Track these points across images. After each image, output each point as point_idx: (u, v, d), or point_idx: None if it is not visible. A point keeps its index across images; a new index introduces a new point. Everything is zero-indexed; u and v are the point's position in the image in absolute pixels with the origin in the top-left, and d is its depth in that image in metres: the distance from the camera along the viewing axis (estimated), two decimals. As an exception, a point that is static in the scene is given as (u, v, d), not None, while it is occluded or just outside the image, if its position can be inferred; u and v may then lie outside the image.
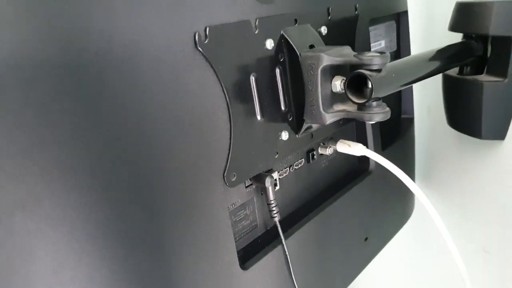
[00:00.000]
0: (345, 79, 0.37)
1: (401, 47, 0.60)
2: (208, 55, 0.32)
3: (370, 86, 0.34)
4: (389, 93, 0.36)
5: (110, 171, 0.27)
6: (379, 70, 0.34)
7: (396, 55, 0.60)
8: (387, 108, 0.36)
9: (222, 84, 0.33)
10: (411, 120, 0.63)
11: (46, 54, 0.23)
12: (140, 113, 0.28)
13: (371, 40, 0.54)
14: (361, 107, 0.36)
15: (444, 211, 0.65)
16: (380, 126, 0.54)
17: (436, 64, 0.44)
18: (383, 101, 0.36)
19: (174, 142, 0.31)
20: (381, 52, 0.35)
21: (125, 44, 0.27)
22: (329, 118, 0.38)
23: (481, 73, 0.52)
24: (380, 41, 0.56)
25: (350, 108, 0.37)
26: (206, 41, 0.31)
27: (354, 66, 0.35)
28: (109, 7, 0.26)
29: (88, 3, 0.25)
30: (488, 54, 0.51)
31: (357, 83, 0.35)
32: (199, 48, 0.31)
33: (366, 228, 0.53)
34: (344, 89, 0.35)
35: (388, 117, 0.35)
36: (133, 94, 0.28)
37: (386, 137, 0.57)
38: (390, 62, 0.38)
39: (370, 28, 0.53)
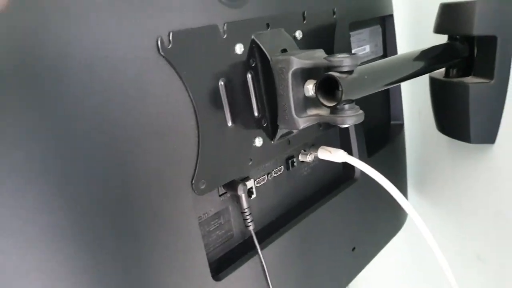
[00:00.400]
0: (316, 82, 0.36)
1: (387, 52, 0.59)
2: (172, 60, 0.31)
3: (340, 88, 0.33)
4: (363, 95, 0.35)
5: (70, 181, 0.26)
6: (350, 72, 0.33)
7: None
8: (360, 111, 0.35)
9: (188, 90, 0.32)
10: (400, 126, 0.61)
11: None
12: (101, 120, 0.28)
13: (355, 45, 0.53)
14: (333, 110, 0.35)
15: (438, 218, 0.63)
16: (368, 133, 0.53)
17: (417, 65, 0.43)
18: (356, 104, 0.35)
19: (138, 150, 0.30)
20: (352, 53, 0.34)
21: (83, 50, 0.27)
22: (302, 123, 0.36)
23: (468, 75, 0.51)
24: (364, 46, 0.55)
25: (323, 112, 0.36)
26: (170, 46, 0.31)
27: (326, 69, 0.34)
28: (65, 12, 0.26)
29: (43, 8, 0.25)
30: (475, 55, 0.50)
31: (329, 86, 0.35)
32: (162, 53, 0.30)
33: (354, 238, 0.52)
34: (315, 93, 0.35)
35: (361, 120, 0.34)
36: (93, 102, 0.27)
37: (374, 144, 0.55)
38: (365, 61, 0.38)
39: (353, 32, 0.52)
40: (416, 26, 0.62)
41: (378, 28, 0.57)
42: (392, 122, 0.62)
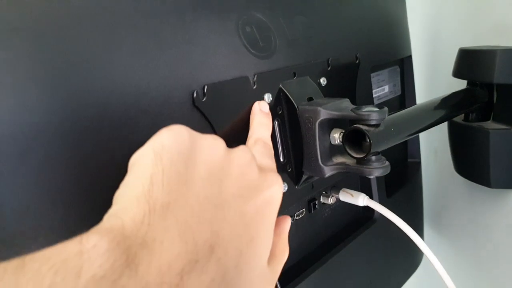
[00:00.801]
0: (343, 132, 0.36)
1: (405, 92, 0.60)
2: (206, 111, 0.32)
3: (368, 141, 0.34)
4: (389, 146, 0.36)
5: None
6: (377, 125, 0.34)
7: (400, 99, 0.60)
8: (387, 163, 0.35)
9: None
10: (418, 165, 0.62)
11: (49, 118, 0.24)
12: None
13: (374, 85, 0.54)
14: (360, 161, 0.35)
15: (454, 261, 0.63)
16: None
17: (439, 113, 0.43)
18: (383, 155, 0.36)
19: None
20: (380, 106, 0.35)
21: (123, 103, 0.27)
22: (328, 171, 0.37)
23: (487, 119, 0.51)
24: (383, 87, 0.56)
25: (349, 161, 0.37)
26: (204, 99, 0.32)
27: (353, 120, 0.35)
28: (110, 66, 0.27)
29: (89, 64, 0.26)
30: (494, 100, 0.50)
31: (355, 136, 0.35)
32: (197, 105, 0.31)
33: (371, 279, 0.52)
34: (343, 143, 0.35)
35: (388, 172, 0.35)
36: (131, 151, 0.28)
37: (392, 182, 0.56)
38: (391, 113, 0.38)
39: (373, 74, 0.53)
40: (433, 67, 0.63)
41: (396, 69, 0.58)
42: (409, 160, 0.63)
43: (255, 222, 0.24)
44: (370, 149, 0.33)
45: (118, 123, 0.27)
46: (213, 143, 0.24)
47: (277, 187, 0.26)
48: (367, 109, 0.34)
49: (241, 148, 0.26)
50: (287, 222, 0.32)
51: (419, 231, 0.63)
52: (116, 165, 0.27)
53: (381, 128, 0.34)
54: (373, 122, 0.34)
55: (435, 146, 0.66)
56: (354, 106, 0.36)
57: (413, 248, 0.60)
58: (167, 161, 0.21)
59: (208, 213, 0.21)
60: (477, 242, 0.58)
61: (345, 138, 0.35)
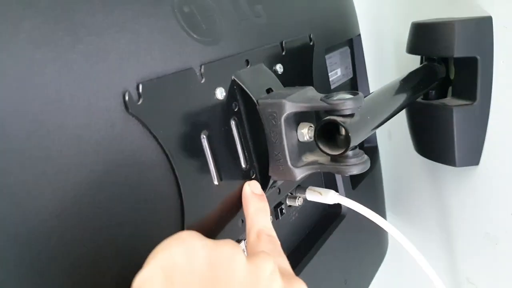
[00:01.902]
0: (312, 126, 0.31)
1: (357, 74, 0.56)
2: (144, 118, 0.25)
3: (344, 134, 0.29)
4: (366, 137, 0.31)
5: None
6: (352, 115, 0.29)
7: (352, 82, 0.56)
8: (365, 157, 0.30)
9: (166, 151, 0.26)
10: (375, 149, 0.59)
11: None
12: (60, 202, 0.21)
13: (328, 69, 0.50)
14: (336, 158, 0.30)
15: (421, 243, 0.61)
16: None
17: (407, 94, 0.39)
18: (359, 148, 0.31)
19: (108, 229, 0.23)
20: (353, 92, 0.30)
21: (25, 118, 0.20)
22: (300, 174, 0.32)
23: (445, 96, 0.49)
24: (336, 70, 0.51)
25: (322, 159, 0.32)
26: (140, 102, 0.25)
27: (325, 112, 0.30)
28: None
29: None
30: (452, 76, 0.48)
31: (327, 130, 0.30)
32: (132, 112, 0.24)
33: (346, 278, 0.48)
34: (315, 141, 0.30)
35: (368, 167, 0.30)
36: (50, 180, 0.20)
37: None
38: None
39: (326, 56, 0.49)
40: (383, 44, 0.60)
41: (347, 50, 0.54)
42: (366, 145, 0.59)
43: None
44: (348, 143, 0.28)
45: (21, 145, 0.20)
46: (232, 255, 0.21)
47: None
48: (339, 97, 0.29)
49: (261, 256, 0.23)
50: None
51: (383, 216, 0.60)
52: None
53: (356, 117, 0.29)
54: (348, 112, 0.29)
55: (388, 129, 0.64)
56: (323, 95, 0.30)
57: (380, 237, 0.57)
58: (180, 286, 0.19)
59: None
60: (444, 222, 0.57)
61: (317, 134, 0.30)
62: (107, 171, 0.23)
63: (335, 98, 0.29)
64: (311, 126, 0.31)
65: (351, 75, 0.56)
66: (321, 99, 0.29)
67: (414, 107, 0.49)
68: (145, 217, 0.25)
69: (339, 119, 0.28)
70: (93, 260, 0.22)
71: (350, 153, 0.30)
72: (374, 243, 0.55)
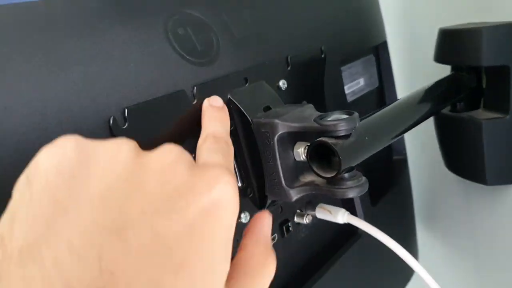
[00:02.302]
0: (308, 145, 0.30)
1: (383, 83, 0.53)
2: (129, 142, 0.25)
3: (336, 157, 0.27)
4: (365, 158, 0.30)
5: None
6: (347, 136, 0.28)
7: (379, 92, 0.53)
8: (363, 179, 0.29)
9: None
10: (404, 162, 0.56)
11: None
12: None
13: (347, 80, 0.48)
14: (331, 180, 0.29)
15: (451, 264, 0.57)
16: (369, 172, 0.47)
17: (424, 108, 0.37)
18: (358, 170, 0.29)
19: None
20: (348, 112, 0.28)
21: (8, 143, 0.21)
22: (295, 195, 0.31)
23: (477, 107, 0.45)
24: (358, 80, 0.49)
25: (319, 180, 0.30)
26: (126, 126, 0.25)
27: (318, 132, 0.29)
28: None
29: None
30: (484, 85, 0.44)
31: (322, 150, 0.29)
32: (116, 136, 0.25)
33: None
34: (308, 162, 0.29)
35: (365, 191, 0.29)
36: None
37: (377, 186, 0.49)
38: (365, 116, 0.32)
39: (344, 67, 0.47)
40: (412, 52, 0.57)
41: (371, 58, 0.52)
42: (394, 157, 0.56)
43: (185, 242, 0.17)
44: (340, 166, 0.27)
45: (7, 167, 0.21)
46: (114, 149, 0.18)
47: (221, 186, 0.18)
48: (332, 118, 0.28)
49: (163, 147, 0.19)
50: (265, 219, 0.25)
51: (411, 236, 0.57)
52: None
53: (352, 139, 0.28)
54: (341, 133, 0.27)
55: (421, 139, 0.60)
56: (319, 114, 0.29)
57: (402, 263, 0.54)
58: (38, 188, 0.16)
59: (96, 246, 0.15)
60: (474, 243, 0.53)
61: (309, 155, 0.29)
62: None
63: (329, 119, 0.28)
64: (307, 146, 0.30)
65: (376, 85, 0.53)
66: (314, 120, 0.28)
67: (441, 120, 0.46)
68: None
69: (330, 140, 0.27)
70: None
71: (346, 175, 0.29)
72: (394, 269, 0.52)
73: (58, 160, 0.17)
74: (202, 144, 0.24)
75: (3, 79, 0.21)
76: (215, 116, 0.28)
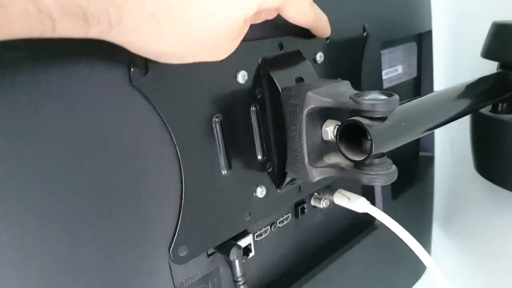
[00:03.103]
0: (339, 124, 0.28)
1: (422, 74, 0.50)
2: (149, 94, 0.24)
3: (369, 140, 0.25)
4: (398, 146, 0.28)
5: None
6: (383, 118, 0.26)
7: (416, 82, 0.50)
8: (393, 168, 0.27)
9: (170, 132, 0.25)
10: (431, 159, 0.53)
11: None
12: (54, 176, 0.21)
13: (385, 65, 0.45)
14: (358, 164, 0.27)
15: (465, 267, 0.55)
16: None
17: (463, 104, 0.34)
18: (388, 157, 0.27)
19: (102, 206, 0.23)
20: (388, 93, 0.26)
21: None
22: (317, 175, 0.29)
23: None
24: (396, 67, 0.47)
25: (345, 163, 0.28)
26: (146, 76, 0.23)
27: (352, 110, 0.26)
28: None
29: None
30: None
31: (354, 131, 0.27)
32: (135, 86, 0.23)
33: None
34: (336, 142, 0.27)
35: (393, 180, 0.27)
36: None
37: (400, 180, 0.47)
38: (403, 102, 0.30)
39: (384, 51, 0.44)
40: (457, 45, 0.53)
41: (413, 46, 0.49)
42: (421, 154, 0.54)
43: None
44: (371, 150, 0.25)
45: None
46: None
47: None
48: (370, 97, 0.26)
49: None
50: None
51: (427, 235, 0.55)
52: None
53: (388, 122, 0.26)
54: (378, 115, 0.25)
55: (451, 137, 0.57)
56: (355, 92, 0.27)
57: (415, 257, 0.52)
58: None
59: None
60: (492, 250, 0.50)
61: (339, 135, 0.26)
62: (103, 142, 0.23)
63: (366, 98, 0.26)
64: (337, 125, 0.28)
65: (414, 75, 0.50)
66: (350, 97, 0.26)
67: (479, 120, 0.43)
68: (138, 200, 0.24)
69: (365, 121, 0.25)
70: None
71: (375, 160, 0.26)
72: (407, 263, 0.50)
73: None
74: None
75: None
76: None
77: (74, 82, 0.21)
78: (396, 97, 0.25)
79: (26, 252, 0.20)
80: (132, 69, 0.23)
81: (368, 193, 0.42)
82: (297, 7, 0.26)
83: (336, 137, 0.27)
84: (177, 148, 0.25)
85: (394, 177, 0.27)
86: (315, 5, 0.28)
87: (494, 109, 0.42)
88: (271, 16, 0.27)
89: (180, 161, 0.25)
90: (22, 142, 0.19)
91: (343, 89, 0.29)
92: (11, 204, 0.19)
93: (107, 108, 0.22)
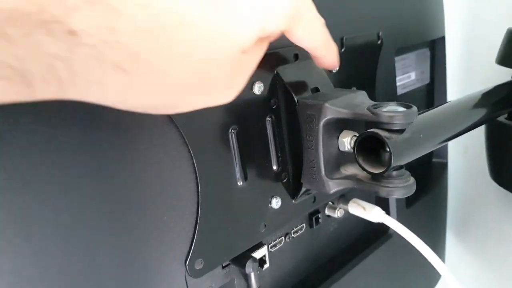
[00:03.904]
0: (356, 136, 0.28)
1: (435, 80, 0.50)
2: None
3: (388, 152, 0.25)
4: (416, 157, 0.27)
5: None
6: (401, 130, 0.25)
7: (429, 89, 0.50)
8: (411, 180, 0.26)
9: (188, 143, 0.25)
10: (444, 166, 0.53)
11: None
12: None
13: (399, 71, 0.45)
14: (376, 176, 0.27)
15: (479, 272, 0.54)
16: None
17: (479, 113, 0.34)
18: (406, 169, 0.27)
19: (118, 219, 0.23)
20: (406, 105, 0.26)
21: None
22: (334, 187, 0.29)
23: (537, 118, 0.42)
24: (409, 73, 0.46)
25: (362, 174, 0.28)
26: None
27: (370, 122, 0.26)
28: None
29: None
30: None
31: (372, 143, 0.26)
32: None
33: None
34: (354, 153, 0.26)
35: (412, 193, 0.26)
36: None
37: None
38: (419, 112, 0.29)
39: (397, 58, 0.44)
40: (471, 52, 0.53)
41: (426, 52, 0.48)
42: (434, 160, 0.53)
43: None
44: (390, 163, 0.25)
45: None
46: None
47: None
48: (388, 109, 0.25)
49: None
50: None
51: (441, 244, 0.54)
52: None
53: (406, 134, 0.25)
54: (396, 127, 0.25)
55: (465, 144, 0.57)
56: (373, 103, 0.27)
57: (429, 267, 0.51)
58: None
59: None
60: (507, 258, 0.50)
61: (357, 147, 0.26)
62: (123, 154, 0.22)
63: (384, 109, 0.25)
64: (354, 136, 0.28)
65: (427, 81, 0.50)
66: (367, 108, 0.26)
67: (494, 127, 0.43)
68: (153, 213, 0.24)
69: (383, 133, 0.25)
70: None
71: (394, 173, 0.26)
72: (422, 272, 0.49)
73: None
74: None
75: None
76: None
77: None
78: (414, 109, 0.25)
79: (46, 264, 0.20)
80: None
81: (382, 202, 0.41)
82: (308, 25, 0.22)
83: (354, 148, 0.26)
84: (194, 160, 0.25)
85: (413, 190, 0.26)
86: (327, 29, 0.25)
87: (510, 117, 0.42)
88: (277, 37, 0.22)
89: (197, 173, 0.25)
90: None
91: (360, 99, 0.28)
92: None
93: (126, 121, 0.22)
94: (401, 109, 0.25)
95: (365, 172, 0.28)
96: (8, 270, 0.19)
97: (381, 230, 0.43)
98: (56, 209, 0.20)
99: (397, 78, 0.44)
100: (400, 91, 0.44)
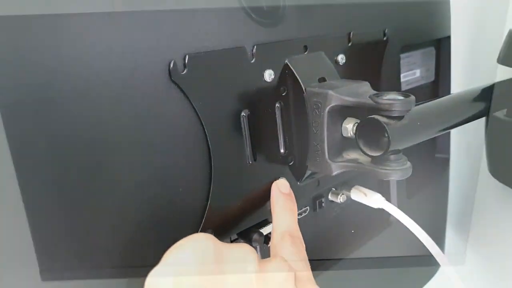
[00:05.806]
0: (358, 122, 0.30)
1: (439, 78, 0.52)
2: (186, 88, 0.26)
3: (386, 137, 0.27)
4: (413, 144, 0.29)
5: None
6: (400, 117, 0.27)
7: (433, 86, 0.52)
8: (408, 164, 0.29)
9: (203, 123, 0.27)
10: (446, 161, 0.54)
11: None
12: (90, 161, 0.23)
13: (404, 68, 0.47)
14: (375, 159, 0.29)
15: (477, 267, 0.56)
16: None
17: (477, 107, 0.36)
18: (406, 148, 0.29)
19: (137, 189, 0.25)
20: (406, 94, 0.28)
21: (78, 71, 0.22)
22: (336, 169, 0.31)
23: (536, 116, 0.43)
24: (414, 70, 0.48)
25: (363, 158, 0.30)
26: (184, 72, 0.26)
27: (371, 109, 0.28)
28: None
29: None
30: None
31: (372, 129, 0.29)
32: (174, 80, 0.25)
33: (379, 283, 0.46)
34: (355, 138, 0.29)
35: (408, 175, 0.28)
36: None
37: (415, 181, 0.49)
38: (419, 103, 0.31)
39: (403, 55, 0.46)
40: (475, 51, 0.54)
41: (431, 51, 0.50)
42: (436, 155, 0.55)
43: None
44: (388, 146, 0.27)
45: (71, 96, 0.22)
46: (244, 257, 0.22)
47: None
48: (389, 97, 0.27)
49: (275, 262, 0.23)
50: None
51: (440, 236, 0.56)
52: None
53: (404, 121, 0.27)
54: (395, 114, 0.27)
55: (467, 139, 0.58)
56: (374, 92, 0.29)
57: (429, 255, 0.53)
58: (189, 284, 0.19)
59: None
60: (507, 254, 0.51)
61: (358, 131, 0.28)
62: (143, 130, 0.25)
63: (384, 97, 0.28)
64: (357, 122, 0.30)
65: (432, 79, 0.52)
66: (369, 96, 0.28)
67: (494, 124, 0.44)
68: (173, 182, 0.27)
69: (383, 119, 0.27)
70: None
71: (392, 157, 0.28)
72: (419, 263, 0.51)
73: (202, 259, 0.20)
74: (281, 244, 0.27)
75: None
76: (286, 206, 0.30)
77: (122, 75, 0.23)
78: (412, 97, 0.27)
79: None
80: (171, 66, 0.25)
81: (383, 191, 0.43)
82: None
83: (355, 133, 0.29)
84: (208, 138, 0.27)
85: (409, 172, 0.28)
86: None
87: (510, 114, 0.44)
88: None
89: (211, 151, 0.28)
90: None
91: (363, 89, 0.30)
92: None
93: (149, 100, 0.25)
94: (400, 97, 0.27)
95: (365, 157, 0.30)
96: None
97: (381, 219, 0.45)
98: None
99: (403, 75, 0.46)
100: (405, 87, 0.46)
